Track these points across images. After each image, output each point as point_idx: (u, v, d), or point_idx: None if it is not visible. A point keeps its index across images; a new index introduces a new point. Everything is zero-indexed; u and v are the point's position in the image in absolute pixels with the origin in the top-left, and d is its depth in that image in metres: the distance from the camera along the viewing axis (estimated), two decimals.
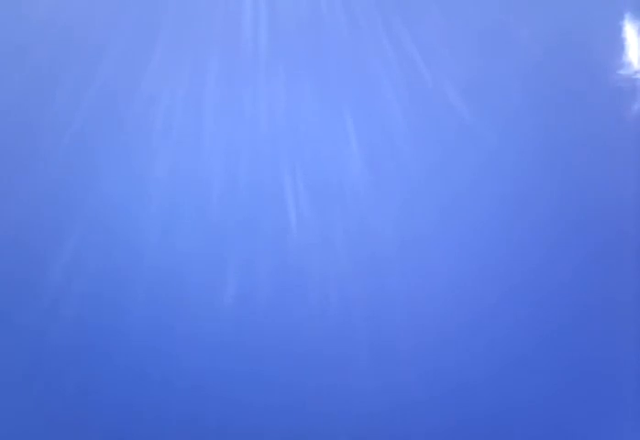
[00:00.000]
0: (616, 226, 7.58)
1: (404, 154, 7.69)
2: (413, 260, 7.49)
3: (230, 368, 7.17)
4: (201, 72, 7.76)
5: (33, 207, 7.43)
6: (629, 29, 7.82)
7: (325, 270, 7.44)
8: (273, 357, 7.19)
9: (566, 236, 7.56)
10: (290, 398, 7.08)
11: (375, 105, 7.80)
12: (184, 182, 7.61)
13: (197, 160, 7.64)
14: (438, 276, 7.45)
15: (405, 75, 7.79)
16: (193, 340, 7.20)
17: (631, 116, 7.80)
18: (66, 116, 7.61)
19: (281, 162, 7.67)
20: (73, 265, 7.30)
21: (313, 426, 7.03)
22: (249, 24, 7.89)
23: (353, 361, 7.21)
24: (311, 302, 7.36)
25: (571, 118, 7.79)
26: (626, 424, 7.12)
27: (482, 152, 7.69)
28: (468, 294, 7.39)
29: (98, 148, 7.61)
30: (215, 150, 7.68)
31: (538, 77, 7.86)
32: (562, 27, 7.95)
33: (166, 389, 7.06)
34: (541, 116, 7.79)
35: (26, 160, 7.56)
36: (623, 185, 7.65)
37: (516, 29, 7.86)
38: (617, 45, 7.90)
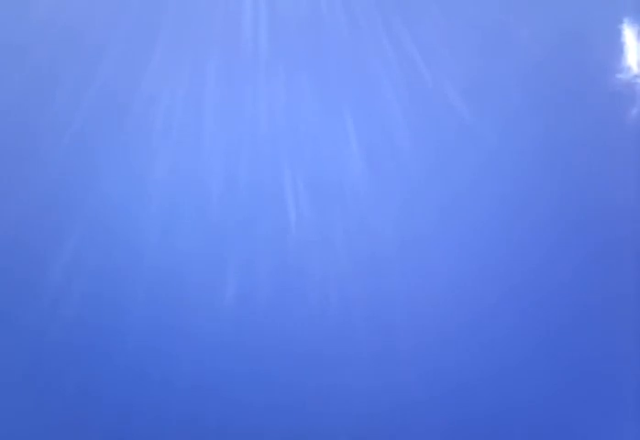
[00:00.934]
0: (616, 226, 7.58)
1: (404, 154, 7.69)
2: (413, 260, 7.49)
3: (230, 368, 7.17)
4: (201, 72, 7.76)
5: (33, 207, 7.43)
6: (629, 32, 7.83)
7: (325, 270, 7.44)
8: (273, 357, 7.19)
9: (566, 237, 7.56)
10: (290, 398, 7.08)
11: (375, 105, 7.81)
12: (184, 182, 7.61)
13: (197, 160, 7.64)
14: (438, 276, 7.45)
15: (405, 75, 7.80)
16: (193, 340, 7.20)
17: (630, 116, 7.80)
18: (66, 116, 7.61)
19: (281, 162, 7.67)
20: (73, 265, 7.30)
21: (313, 426, 7.03)
22: (249, 24, 7.89)
23: (353, 361, 7.21)
24: (311, 302, 7.36)
25: (571, 118, 7.79)
26: (626, 424, 7.13)
27: (482, 152, 7.69)
28: (469, 294, 7.39)
29: (98, 148, 7.61)
30: (215, 150, 7.68)
31: (538, 77, 7.86)
32: (562, 27, 7.95)
33: (166, 389, 7.06)
34: (541, 117, 7.80)
35: (26, 160, 7.56)
36: (622, 185, 7.65)
37: (516, 29, 7.86)
38: (617, 46, 7.91)
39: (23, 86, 7.69)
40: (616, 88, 7.85)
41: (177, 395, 7.04)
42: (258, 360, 7.19)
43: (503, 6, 7.98)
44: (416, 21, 7.88)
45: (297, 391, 7.10)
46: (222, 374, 7.15)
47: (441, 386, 7.17)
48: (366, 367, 7.20)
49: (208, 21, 7.92)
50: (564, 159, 7.72)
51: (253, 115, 7.76)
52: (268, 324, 7.29)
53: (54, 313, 7.18)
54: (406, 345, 7.25)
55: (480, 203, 7.60)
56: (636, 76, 7.81)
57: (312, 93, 7.81)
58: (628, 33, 7.83)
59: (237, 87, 7.80)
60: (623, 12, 7.90)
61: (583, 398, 7.16)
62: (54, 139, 7.58)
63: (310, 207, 7.57)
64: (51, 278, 7.24)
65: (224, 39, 7.89)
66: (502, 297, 7.39)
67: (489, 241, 7.54)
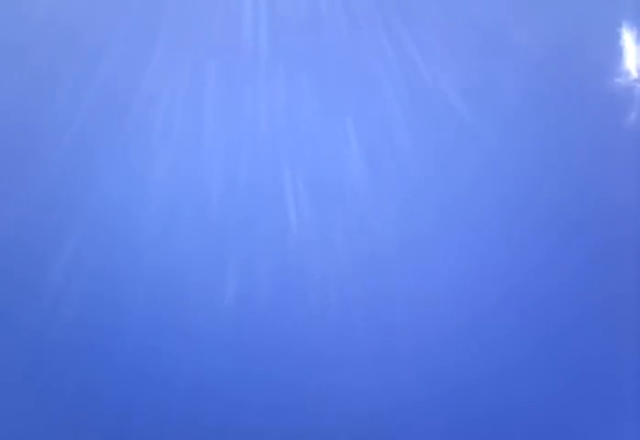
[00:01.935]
0: (616, 227, 7.58)
1: (404, 154, 7.69)
2: (413, 260, 7.48)
3: (230, 368, 7.17)
4: (201, 72, 7.75)
5: (33, 207, 7.43)
6: (628, 36, 7.83)
7: (325, 270, 7.44)
8: (273, 357, 7.19)
9: (566, 237, 7.55)
10: (290, 398, 7.08)
11: (375, 105, 7.80)
12: (184, 182, 7.61)
13: (197, 160, 7.64)
14: (438, 276, 7.45)
15: (405, 75, 7.79)
16: (193, 340, 7.20)
17: (630, 116, 7.80)
18: (66, 116, 7.60)
19: (281, 162, 7.67)
20: (73, 265, 7.29)
21: (313, 426, 7.03)
22: (249, 24, 7.89)
23: (353, 361, 7.22)
24: (311, 302, 7.36)
25: (571, 119, 7.79)
26: (626, 424, 7.13)
27: (482, 152, 7.69)
28: (469, 294, 7.39)
29: (98, 148, 7.61)
30: (215, 150, 7.68)
31: (539, 77, 7.86)
32: (562, 28, 7.95)
33: (166, 389, 7.06)
34: (541, 117, 7.79)
35: (26, 160, 7.56)
36: (622, 185, 7.65)
37: (516, 30, 7.86)
38: (617, 49, 7.91)
39: (23, 86, 7.69)
40: (616, 90, 7.85)
41: (177, 395, 7.04)
42: (258, 360, 7.19)
43: (503, 7, 7.98)
44: (416, 21, 7.88)
45: (297, 391, 7.10)
46: (222, 374, 7.15)
47: (441, 386, 7.17)
48: (366, 367, 7.20)
49: (208, 21, 7.92)
50: (564, 160, 7.72)
51: (253, 115, 7.76)
52: (268, 324, 7.28)
53: (54, 313, 7.18)
54: (406, 345, 7.24)
55: (480, 203, 7.59)
56: (636, 80, 7.81)
57: (312, 93, 7.80)
58: (628, 37, 7.84)
59: (237, 87, 7.79)
60: (623, 15, 7.90)
61: (583, 398, 7.16)
62: (54, 139, 7.58)
63: (310, 207, 7.57)
64: (51, 278, 7.24)
65: (224, 39, 7.88)
66: (502, 297, 7.39)
67: (489, 241, 7.54)
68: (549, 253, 7.51)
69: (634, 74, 7.82)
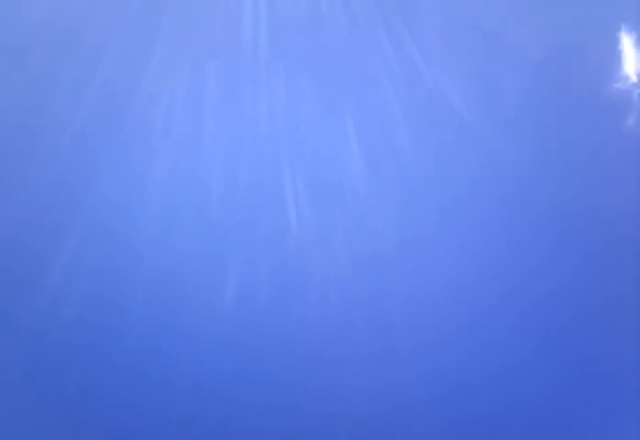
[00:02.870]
0: (615, 227, 7.58)
1: (404, 154, 7.69)
2: (413, 260, 7.48)
3: (230, 368, 7.17)
4: (201, 72, 7.75)
5: (33, 207, 7.43)
6: (627, 40, 7.84)
7: (325, 270, 7.44)
8: (273, 357, 7.19)
9: (566, 237, 7.55)
10: (290, 398, 7.08)
11: (375, 105, 7.80)
12: (184, 182, 7.61)
13: (197, 160, 7.64)
14: (438, 276, 7.45)
15: (405, 75, 7.79)
16: (193, 340, 7.20)
17: (629, 118, 7.80)
18: (66, 116, 7.61)
19: (281, 162, 7.67)
20: (73, 265, 7.29)
21: (313, 426, 7.03)
22: (249, 24, 7.89)
23: (353, 361, 7.21)
24: (311, 302, 7.36)
25: (571, 119, 7.79)
26: (626, 424, 7.13)
27: (482, 152, 7.69)
28: (469, 294, 7.39)
29: (98, 148, 7.61)
30: (215, 150, 7.68)
31: (538, 77, 7.86)
32: (562, 29, 7.95)
33: (166, 389, 7.06)
34: (541, 117, 7.79)
35: (26, 160, 7.56)
36: (621, 186, 7.65)
37: (516, 30, 7.86)
38: (616, 53, 7.91)
39: (23, 86, 7.69)
40: (615, 91, 7.85)
41: (177, 395, 7.04)
42: (258, 360, 7.19)
43: (503, 8, 7.98)
44: (416, 21, 7.88)
45: (297, 391, 7.10)
46: (222, 374, 7.15)
47: (441, 386, 7.17)
48: (366, 367, 7.20)
49: (208, 21, 7.92)
50: (563, 160, 7.72)
51: (253, 115, 7.76)
52: (268, 324, 7.28)
53: (54, 313, 7.18)
54: (406, 345, 7.24)
55: (480, 203, 7.59)
56: (635, 84, 7.82)
57: (312, 93, 7.80)
58: (627, 41, 7.84)
59: (237, 87, 7.79)
60: (622, 19, 7.90)
61: (583, 398, 7.16)
62: (54, 139, 7.58)
63: (310, 207, 7.57)
64: (51, 278, 7.24)
65: (224, 39, 7.88)
66: (502, 297, 7.39)
67: (489, 241, 7.54)
68: (549, 253, 7.51)
69: (634, 78, 7.84)
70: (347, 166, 7.69)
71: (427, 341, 7.26)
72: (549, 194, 7.65)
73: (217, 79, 7.80)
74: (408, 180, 7.65)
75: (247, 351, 7.21)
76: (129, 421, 6.99)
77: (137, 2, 7.91)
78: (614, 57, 7.89)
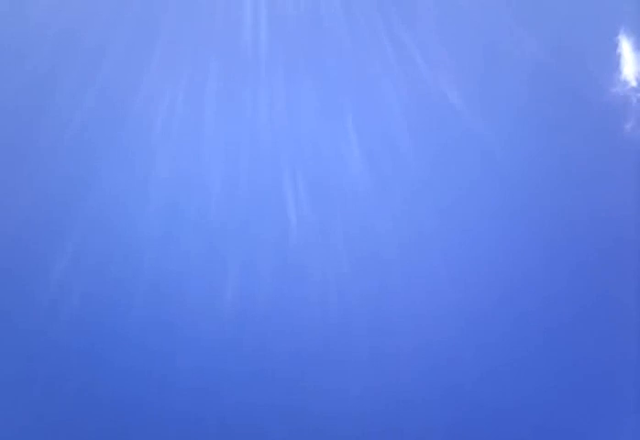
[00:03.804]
0: (614, 228, 7.58)
1: (404, 154, 7.69)
2: (412, 260, 7.48)
3: (230, 368, 7.17)
4: (201, 72, 7.76)
5: (33, 207, 7.43)
6: (626, 44, 7.85)
7: (325, 270, 7.44)
8: (273, 357, 7.19)
9: (565, 237, 7.56)
10: (290, 398, 7.08)
11: (375, 105, 7.80)
12: (184, 183, 7.61)
13: (197, 161, 7.64)
14: (438, 276, 7.45)
15: (405, 75, 7.79)
16: (193, 340, 7.20)
17: (628, 121, 7.81)
18: (66, 116, 7.61)
19: (281, 162, 7.67)
20: (73, 265, 7.30)
21: (313, 426, 7.03)
22: (249, 24, 7.89)
23: (353, 361, 7.21)
24: (311, 302, 7.36)
25: (571, 119, 7.79)
26: (626, 424, 7.13)
27: (482, 153, 7.69)
28: (468, 294, 7.39)
29: (98, 148, 7.61)
30: (215, 150, 7.68)
31: (539, 80, 7.86)
32: (562, 31, 7.96)
33: (166, 389, 7.06)
34: (541, 117, 7.80)
35: (26, 160, 7.56)
36: (620, 189, 7.65)
37: (516, 29, 7.86)
38: (616, 56, 7.92)
39: (23, 86, 7.69)
40: (615, 92, 7.86)
41: (177, 395, 7.04)
42: (258, 360, 7.19)
43: (504, 9, 7.98)
44: (416, 21, 7.88)
45: (297, 391, 7.10)
46: (222, 374, 7.15)
47: (440, 386, 7.17)
48: (366, 367, 7.20)
49: (208, 21, 7.92)
50: (563, 160, 7.72)
51: (253, 116, 7.76)
52: (268, 324, 7.28)
53: (54, 313, 7.18)
54: (406, 345, 7.24)
55: (480, 203, 7.60)
56: (634, 89, 7.84)
57: (312, 93, 7.81)
58: (626, 45, 7.86)
59: (237, 87, 7.79)
60: (622, 23, 7.91)
61: (583, 398, 7.16)
62: (54, 139, 7.58)
63: (310, 207, 7.57)
64: (51, 278, 7.24)
65: (224, 39, 7.89)
66: (502, 297, 7.39)
67: (489, 241, 7.54)
68: (549, 253, 7.51)
69: (633, 82, 7.85)
70: (347, 166, 7.69)
71: (427, 341, 7.26)
72: (549, 195, 7.65)
73: (217, 79, 7.80)
74: (408, 180, 7.65)
75: (247, 351, 7.21)
76: (129, 420, 6.99)
77: (138, 2, 7.91)
78: (614, 61, 7.90)
